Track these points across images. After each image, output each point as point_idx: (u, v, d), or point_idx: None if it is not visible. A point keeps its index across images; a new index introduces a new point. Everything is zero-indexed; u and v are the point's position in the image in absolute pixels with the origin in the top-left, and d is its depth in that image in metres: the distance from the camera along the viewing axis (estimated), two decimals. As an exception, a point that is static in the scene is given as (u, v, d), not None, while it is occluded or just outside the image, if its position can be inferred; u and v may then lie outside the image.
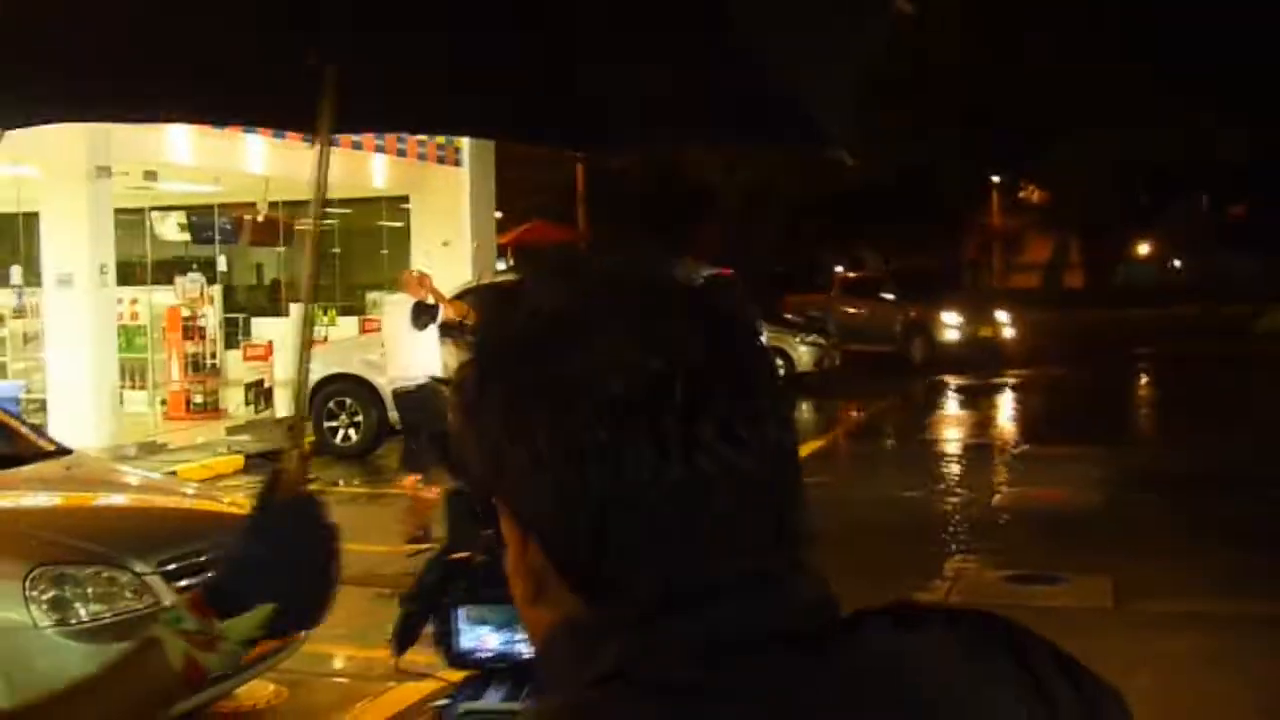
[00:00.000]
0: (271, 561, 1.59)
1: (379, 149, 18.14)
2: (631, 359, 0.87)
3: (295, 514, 1.65)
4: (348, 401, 15.75)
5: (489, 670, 1.88)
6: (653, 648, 0.86)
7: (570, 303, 0.92)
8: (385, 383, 14.60)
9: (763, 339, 0.97)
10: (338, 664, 7.27)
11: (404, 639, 1.89)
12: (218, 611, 1.53)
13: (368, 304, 19.60)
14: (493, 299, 0.99)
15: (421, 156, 19.28)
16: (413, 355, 11.75)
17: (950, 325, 28.17)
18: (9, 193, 15.90)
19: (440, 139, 19.33)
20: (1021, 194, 48.95)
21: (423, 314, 11.52)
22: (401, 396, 12.04)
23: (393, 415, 14.28)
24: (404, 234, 20.72)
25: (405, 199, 20.45)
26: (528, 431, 0.88)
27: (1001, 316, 29.05)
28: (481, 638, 1.89)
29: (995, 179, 44.17)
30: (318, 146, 2.01)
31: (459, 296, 13.13)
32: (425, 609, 1.89)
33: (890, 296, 29.07)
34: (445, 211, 19.99)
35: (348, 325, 19.19)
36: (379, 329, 15.04)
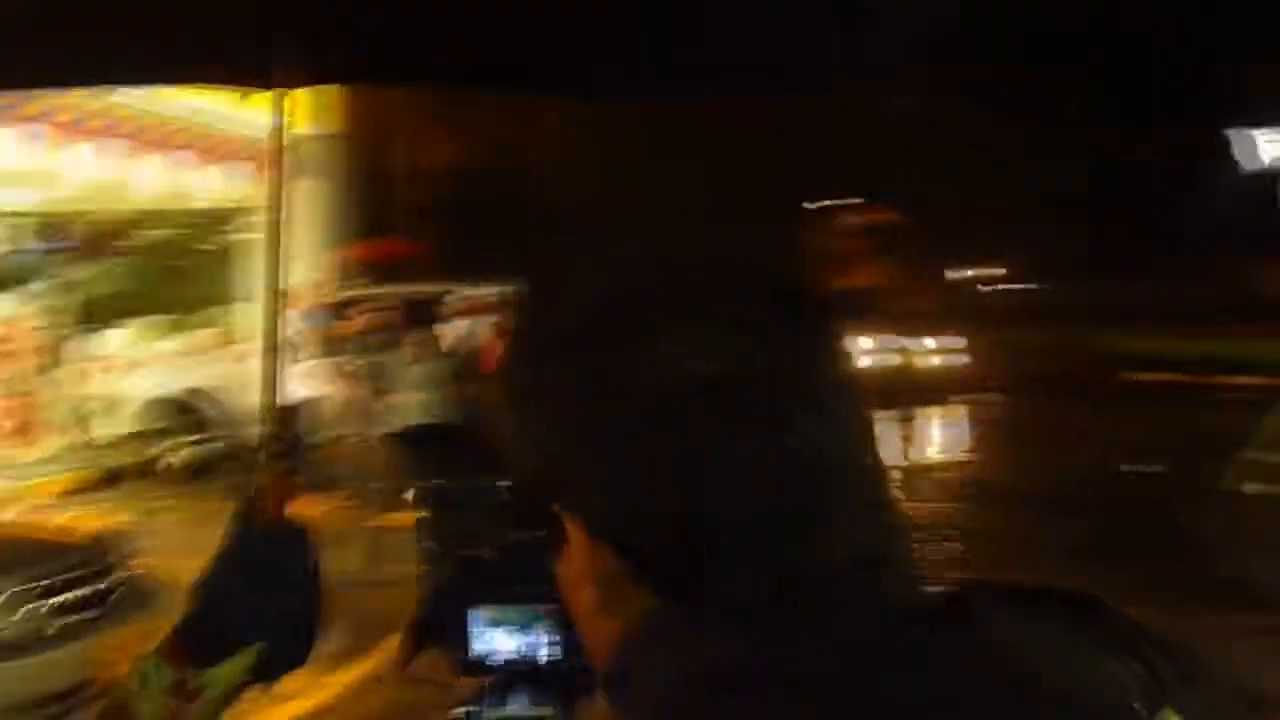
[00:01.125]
0: (252, 596, 1.41)
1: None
2: (709, 339, 0.83)
3: (274, 542, 1.47)
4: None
5: (510, 674, 1.74)
6: (771, 643, 0.81)
7: (638, 286, 0.87)
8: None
9: (829, 317, 0.90)
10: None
11: (415, 643, 1.77)
12: (197, 656, 1.35)
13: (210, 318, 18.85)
14: (534, 287, 0.93)
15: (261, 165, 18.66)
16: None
17: None
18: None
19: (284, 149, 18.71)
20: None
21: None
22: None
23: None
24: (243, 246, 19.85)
25: (250, 210, 19.65)
26: (599, 422, 0.84)
27: None
28: (496, 641, 1.73)
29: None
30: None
31: (346, 306, 13.80)
32: (439, 611, 1.75)
33: None
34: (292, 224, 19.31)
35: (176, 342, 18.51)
36: (225, 344, 15.28)
